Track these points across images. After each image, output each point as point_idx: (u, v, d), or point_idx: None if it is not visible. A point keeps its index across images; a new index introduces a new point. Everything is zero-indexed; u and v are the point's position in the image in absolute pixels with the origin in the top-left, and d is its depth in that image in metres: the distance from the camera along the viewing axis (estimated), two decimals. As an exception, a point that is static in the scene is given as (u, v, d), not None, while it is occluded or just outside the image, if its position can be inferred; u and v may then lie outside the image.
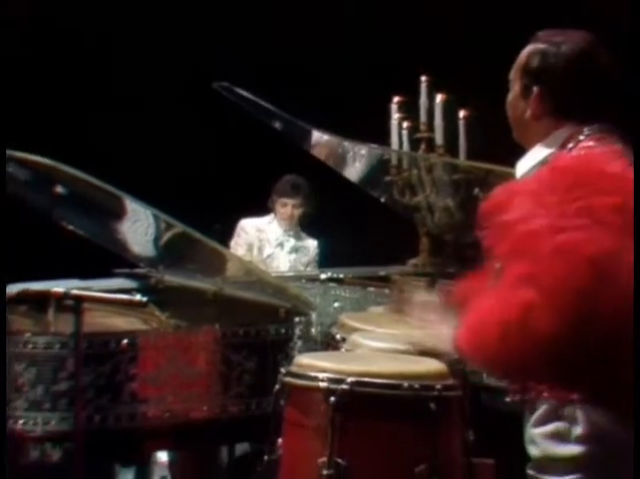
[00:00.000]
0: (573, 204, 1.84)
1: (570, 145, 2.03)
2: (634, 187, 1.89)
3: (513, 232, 1.87)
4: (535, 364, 1.87)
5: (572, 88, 2.06)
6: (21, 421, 3.16)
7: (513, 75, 2.14)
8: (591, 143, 2.02)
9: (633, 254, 1.82)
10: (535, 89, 2.07)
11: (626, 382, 1.90)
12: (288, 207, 5.13)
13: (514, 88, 2.13)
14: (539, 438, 2.03)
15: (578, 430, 1.97)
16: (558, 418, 1.99)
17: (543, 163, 2.06)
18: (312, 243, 5.38)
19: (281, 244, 5.26)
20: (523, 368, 1.90)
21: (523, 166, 2.12)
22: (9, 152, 3.75)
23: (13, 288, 3.72)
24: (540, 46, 2.09)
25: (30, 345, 3.22)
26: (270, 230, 5.25)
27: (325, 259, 5.20)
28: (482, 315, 1.89)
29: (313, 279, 4.37)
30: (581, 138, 2.03)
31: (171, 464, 4.52)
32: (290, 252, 5.27)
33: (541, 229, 1.83)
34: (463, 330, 1.94)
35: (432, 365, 2.02)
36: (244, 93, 4.46)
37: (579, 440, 1.97)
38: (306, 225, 5.34)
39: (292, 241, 5.29)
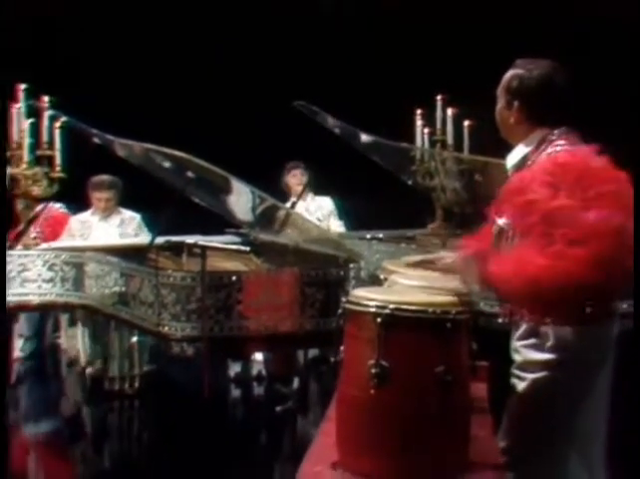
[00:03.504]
0: (588, 191, 1.82)
1: (545, 143, 2.00)
2: (634, 188, 1.89)
3: (540, 207, 1.82)
4: (570, 300, 1.82)
5: (541, 101, 2.03)
6: (166, 328, 3.21)
7: (500, 92, 2.10)
8: (561, 141, 1.98)
9: (631, 227, 1.82)
10: (516, 103, 2.05)
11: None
12: None
13: (501, 102, 2.09)
14: (521, 348, 2.03)
15: (549, 343, 1.97)
16: (536, 334, 1.99)
17: (526, 157, 2.03)
18: (327, 201, 5.23)
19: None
20: (561, 302, 1.84)
21: (512, 158, 2.09)
22: (158, 147, 3.81)
23: (161, 240, 3.81)
24: (518, 71, 2.07)
25: (171, 278, 3.26)
26: None
27: (368, 222, 5.06)
28: (542, 266, 1.79)
29: (362, 238, 4.38)
30: (552, 138, 2.00)
31: (265, 361, 4.56)
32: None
33: (571, 206, 1.80)
34: (501, 265, 1.87)
35: (449, 297, 2.00)
36: (316, 108, 4.45)
37: (550, 350, 1.97)
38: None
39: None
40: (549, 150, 1.98)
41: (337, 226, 5.18)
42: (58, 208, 5.06)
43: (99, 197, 4.83)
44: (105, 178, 4.85)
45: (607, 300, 1.94)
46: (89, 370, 4.61)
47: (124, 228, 4.88)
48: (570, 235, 1.78)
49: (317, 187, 5.21)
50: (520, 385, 2.03)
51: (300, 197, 4.87)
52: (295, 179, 5.14)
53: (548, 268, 1.78)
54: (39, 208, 4.69)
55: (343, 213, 5.27)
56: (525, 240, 1.89)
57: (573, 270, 1.77)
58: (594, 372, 1.99)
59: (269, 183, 4.02)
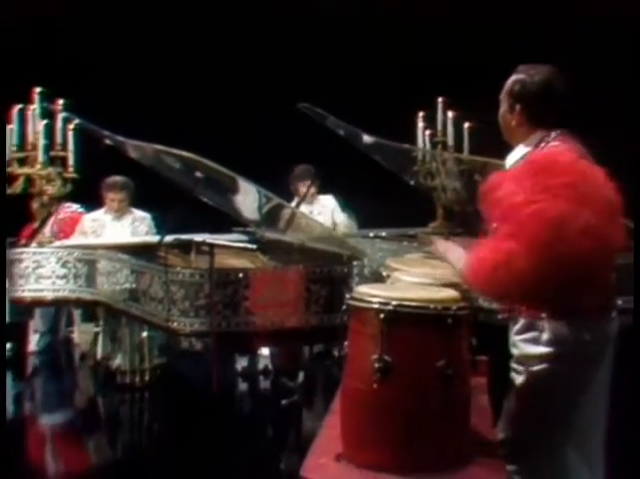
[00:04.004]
0: (538, 185, 1.84)
1: (542, 144, 2.03)
2: (634, 188, 1.90)
3: (502, 204, 1.88)
4: (516, 291, 1.87)
5: (542, 105, 2.05)
6: (175, 323, 3.22)
7: (502, 96, 2.13)
8: (557, 143, 2.01)
9: (590, 218, 1.80)
10: (518, 106, 2.07)
11: (579, 304, 1.91)
12: None
13: (504, 105, 2.12)
14: (519, 342, 2.03)
15: (545, 337, 1.97)
16: (533, 329, 1.99)
17: (524, 157, 2.05)
18: (329, 199, 5.18)
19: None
20: (507, 294, 1.92)
21: (511, 158, 2.11)
22: (168, 148, 3.81)
23: (170, 238, 3.82)
24: (520, 76, 2.09)
25: (180, 275, 3.26)
26: None
27: (371, 222, 5.06)
28: (480, 258, 1.89)
29: (365, 236, 4.37)
30: (549, 139, 2.02)
31: (271, 355, 4.58)
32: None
33: (520, 202, 1.84)
34: (467, 267, 1.94)
35: (449, 293, 2.00)
36: (321, 111, 4.45)
37: (546, 343, 1.96)
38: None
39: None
40: (545, 150, 2.00)
41: (341, 219, 5.13)
42: (76, 208, 5.09)
43: (112, 197, 4.85)
44: (118, 179, 4.86)
45: (565, 291, 1.91)
46: (104, 364, 4.63)
47: (135, 226, 4.89)
48: (510, 229, 1.83)
49: (321, 187, 5.19)
50: (519, 379, 2.03)
51: (303, 199, 4.86)
52: (304, 188, 5.04)
53: (492, 262, 1.83)
54: (53, 207, 4.71)
55: (346, 207, 5.23)
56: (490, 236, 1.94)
57: (509, 261, 1.80)
58: (591, 366, 1.98)
59: (273, 183, 4.00)
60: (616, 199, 1.91)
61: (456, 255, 2.08)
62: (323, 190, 5.20)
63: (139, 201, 4.97)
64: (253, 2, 6.11)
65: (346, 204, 5.25)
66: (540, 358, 1.97)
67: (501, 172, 2.04)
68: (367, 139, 4.76)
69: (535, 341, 1.98)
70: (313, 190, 4.98)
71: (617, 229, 1.89)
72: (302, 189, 5.02)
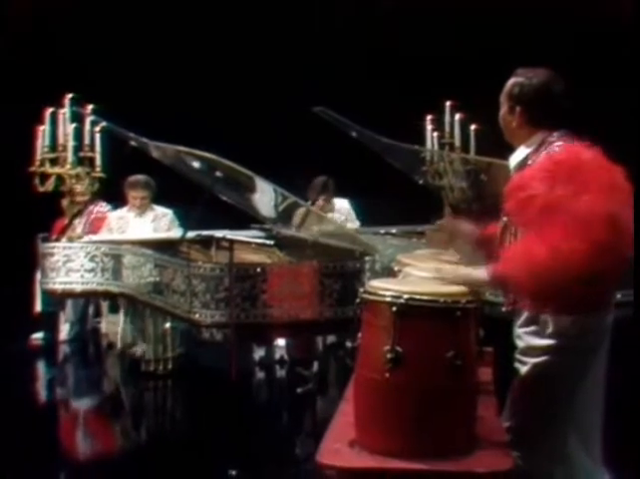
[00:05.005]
0: (576, 180, 1.80)
1: (544, 145, 2.00)
2: (634, 188, 1.87)
3: (539, 201, 1.81)
4: (566, 290, 1.78)
5: (541, 107, 2.03)
6: (197, 315, 3.21)
7: (503, 98, 2.11)
8: (560, 143, 1.98)
9: (625, 215, 1.78)
10: (517, 108, 2.05)
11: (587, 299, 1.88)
12: None
13: (504, 107, 2.10)
14: (523, 334, 2.03)
15: (549, 330, 1.96)
16: (536, 322, 1.98)
17: (527, 158, 2.03)
18: (344, 203, 5.12)
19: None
20: (554, 293, 1.82)
21: (514, 159, 2.09)
22: (188, 149, 3.81)
23: (192, 234, 3.82)
24: (519, 79, 2.07)
25: (202, 269, 3.26)
26: None
27: (380, 219, 5.02)
28: (531, 251, 1.79)
29: (376, 233, 4.35)
30: (551, 140, 2.00)
31: (287, 346, 4.59)
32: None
33: (564, 195, 1.79)
34: (509, 261, 1.86)
35: (458, 288, 1.96)
36: (334, 114, 4.43)
37: (549, 336, 1.96)
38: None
39: None
40: (548, 150, 1.98)
41: (354, 226, 5.09)
42: (108, 208, 5.15)
43: (134, 195, 4.87)
44: (140, 178, 4.89)
45: (607, 288, 1.91)
46: (129, 353, 4.66)
47: (157, 223, 4.92)
48: (564, 220, 1.76)
49: (337, 190, 5.15)
50: (523, 369, 2.03)
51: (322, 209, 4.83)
52: (322, 201, 4.97)
53: (548, 252, 1.76)
54: (82, 204, 4.75)
55: (360, 214, 5.20)
56: (528, 234, 1.88)
57: (569, 253, 1.74)
58: (591, 357, 1.98)
59: (287, 184, 3.99)
60: (631, 192, 1.88)
61: (467, 271, 2.00)
62: (340, 193, 5.17)
63: (161, 198, 4.99)
64: (269, 8, 6.11)
65: (359, 209, 5.19)
66: (544, 350, 1.97)
67: (521, 173, 1.99)
68: (379, 141, 4.74)
69: (539, 334, 1.98)
70: (329, 201, 4.94)
71: (632, 222, 1.86)
72: (319, 202, 4.98)
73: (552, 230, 1.78)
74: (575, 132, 2.02)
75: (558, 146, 1.96)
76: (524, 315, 2.01)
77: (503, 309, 2.16)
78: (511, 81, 2.08)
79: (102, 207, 5.14)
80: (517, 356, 2.05)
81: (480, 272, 1.94)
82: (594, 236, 1.73)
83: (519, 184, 1.91)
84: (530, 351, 1.99)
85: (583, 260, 1.73)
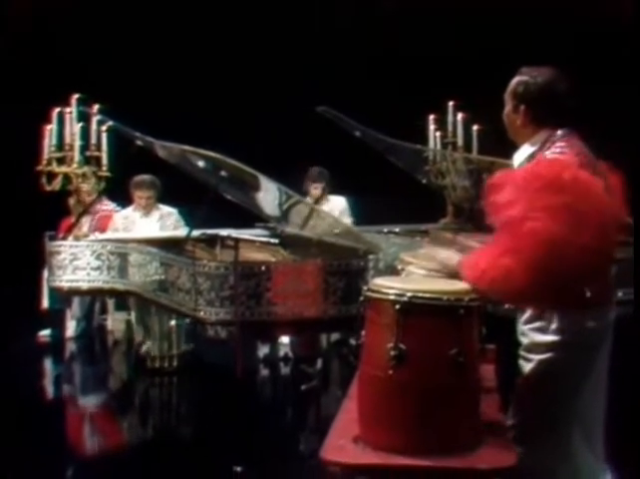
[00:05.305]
0: (539, 201, 1.79)
1: (548, 144, 2.00)
2: (634, 188, 1.88)
3: (500, 212, 1.84)
4: (515, 301, 1.92)
5: (545, 105, 2.02)
6: (202, 313, 3.20)
7: (507, 97, 2.10)
8: (562, 143, 1.97)
9: (587, 240, 1.76)
10: (522, 106, 2.05)
11: (583, 297, 1.89)
12: None
13: (508, 105, 2.09)
14: (528, 331, 2.02)
15: (553, 326, 1.96)
16: (541, 318, 1.98)
17: (531, 156, 2.03)
18: (340, 200, 5.11)
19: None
20: (508, 301, 1.98)
21: (518, 157, 2.09)
22: (193, 148, 3.81)
23: (197, 232, 3.83)
24: (524, 78, 2.06)
25: (206, 267, 3.24)
26: None
27: (384, 218, 4.98)
28: (477, 268, 1.86)
29: (380, 231, 4.35)
30: (555, 139, 1.99)
31: (291, 343, 4.59)
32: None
33: (518, 215, 1.80)
34: (465, 274, 1.91)
35: (461, 286, 1.96)
36: (338, 113, 4.43)
37: (553, 332, 1.96)
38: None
39: None
40: (551, 150, 1.97)
41: (348, 222, 5.11)
42: (112, 207, 5.17)
43: (140, 195, 4.88)
44: (145, 178, 4.89)
45: (549, 304, 1.91)
46: (135, 350, 4.67)
47: (163, 222, 4.93)
48: (507, 243, 1.80)
49: (333, 186, 5.14)
50: (527, 366, 2.02)
51: (316, 202, 4.83)
52: (317, 191, 5.02)
53: (484, 273, 1.82)
54: (89, 203, 4.77)
55: (355, 211, 5.18)
56: (488, 241, 1.92)
57: (499, 279, 1.78)
58: (594, 352, 1.97)
59: (287, 182, 4.00)
60: (615, 208, 1.86)
61: (447, 256, 2.06)
62: (335, 190, 5.15)
63: (167, 197, 5.00)
64: (270, 9, 6.11)
65: (355, 206, 5.18)
66: (548, 346, 1.96)
67: (507, 171, 2.00)
68: (382, 140, 4.73)
69: (544, 330, 1.97)
70: (325, 191, 4.94)
71: (613, 240, 1.85)
72: (314, 191, 4.98)
73: (498, 246, 1.82)
74: (578, 131, 2.02)
75: (560, 147, 1.96)
76: (528, 312, 2.01)
77: (506, 306, 2.16)
78: (516, 79, 2.08)
79: (106, 205, 5.15)
80: (522, 353, 2.04)
81: (454, 261, 2.00)
82: (529, 260, 1.75)
83: (495, 184, 1.90)
84: (535, 348, 1.99)
85: (517, 278, 1.77)
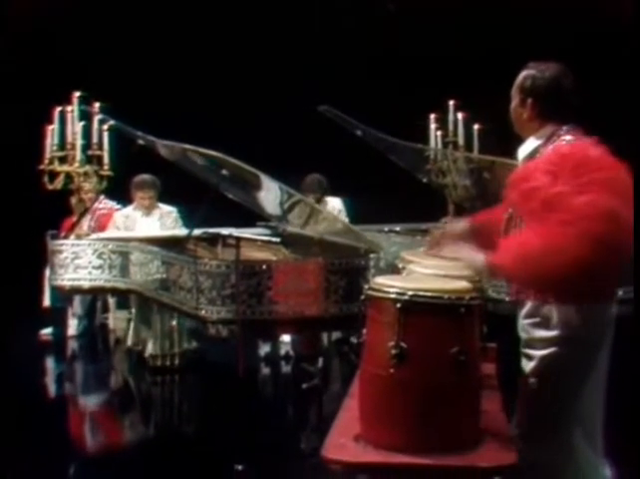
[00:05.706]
0: (581, 177, 1.80)
1: (554, 137, 2.00)
2: (634, 187, 1.86)
3: (539, 194, 1.83)
4: (558, 278, 1.80)
5: (551, 100, 2.02)
6: (203, 311, 3.21)
7: (514, 91, 2.10)
8: (569, 137, 1.98)
9: (629, 213, 1.79)
10: (529, 100, 2.04)
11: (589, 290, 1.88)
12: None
13: (515, 100, 2.09)
14: (528, 326, 2.00)
15: (554, 320, 1.94)
16: (541, 312, 1.96)
17: (536, 150, 2.02)
18: (336, 202, 5.04)
19: None
20: (544, 281, 1.84)
21: (523, 151, 2.08)
22: (194, 147, 3.81)
23: (198, 231, 3.83)
24: (531, 72, 2.06)
25: (208, 266, 3.25)
26: None
27: (384, 217, 4.95)
28: (523, 242, 1.83)
29: (381, 230, 4.35)
30: (561, 133, 1.99)
31: (293, 342, 4.59)
32: None
33: (567, 191, 1.79)
34: (504, 252, 1.87)
35: (462, 285, 1.97)
36: (339, 113, 4.42)
37: (554, 327, 1.94)
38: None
39: None
40: (556, 143, 1.98)
41: None
42: (112, 205, 5.16)
43: (142, 195, 4.89)
44: (147, 178, 4.90)
45: (606, 282, 1.90)
46: (137, 348, 4.67)
47: (163, 221, 4.93)
48: (562, 217, 1.78)
49: (331, 188, 5.10)
50: (530, 364, 2.00)
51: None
52: (314, 198, 4.92)
53: (542, 246, 1.78)
54: (90, 202, 4.77)
55: (355, 211, 5.15)
56: (528, 225, 1.89)
57: (564, 247, 1.75)
58: (596, 348, 1.96)
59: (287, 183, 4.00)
60: (633, 189, 1.88)
61: (468, 253, 2.02)
62: (334, 191, 5.12)
63: (168, 196, 5.00)
64: (270, 9, 6.10)
65: (351, 208, 5.14)
66: (550, 342, 1.95)
67: (526, 165, 1.99)
68: (384, 140, 4.73)
69: (544, 325, 1.95)
70: (321, 199, 4.89)
71: (632, 219, 1.86)
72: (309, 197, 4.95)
73: (550, 223, 1.79)
74: (584, 126, 2.02)
75: (566, 139, 1.96)
76: (527, 306, 1.99)
77: (507, 299, 2.15)
78: (523, 73, 2.08)
79: (105, 203, 5.14)
80: (523, 350, 2.02)
81: (479, 259, 1.95)
82: (592, 231, 1.74)
83: (524, 175, 1.91)
84: (536, 343, 1.97)
85: (577, 256, 1.74)
